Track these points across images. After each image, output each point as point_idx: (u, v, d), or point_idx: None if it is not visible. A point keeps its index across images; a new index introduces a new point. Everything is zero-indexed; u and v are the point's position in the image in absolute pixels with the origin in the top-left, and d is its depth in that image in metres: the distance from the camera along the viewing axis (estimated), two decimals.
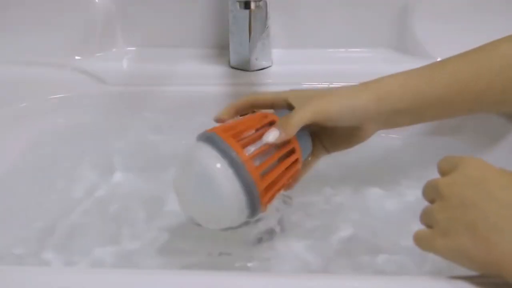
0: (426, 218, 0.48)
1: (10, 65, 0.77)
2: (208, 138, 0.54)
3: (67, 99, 0.76)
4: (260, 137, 0.54)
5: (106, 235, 0.65)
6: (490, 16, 0.78)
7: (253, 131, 0.55)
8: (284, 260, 0.62)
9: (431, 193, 0.48)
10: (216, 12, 0.79)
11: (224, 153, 0.52)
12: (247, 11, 0.70)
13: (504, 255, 0.42)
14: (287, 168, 0.56)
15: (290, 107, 0.58)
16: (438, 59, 0.77)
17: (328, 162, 0.65)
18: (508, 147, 0.69)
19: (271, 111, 0.60)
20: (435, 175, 0.50)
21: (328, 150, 0.62)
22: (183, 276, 0.49)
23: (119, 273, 0.48)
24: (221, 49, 0.80)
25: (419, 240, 0.47)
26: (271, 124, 0.56)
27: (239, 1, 0.67)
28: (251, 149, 0.54)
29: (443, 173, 0.49)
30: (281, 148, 0.55)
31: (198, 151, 0.54)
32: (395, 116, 0.58)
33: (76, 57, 0.79)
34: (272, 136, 0.54)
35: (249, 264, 0.61)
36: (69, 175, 0.72)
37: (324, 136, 0.61)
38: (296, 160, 0.56)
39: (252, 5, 0.66)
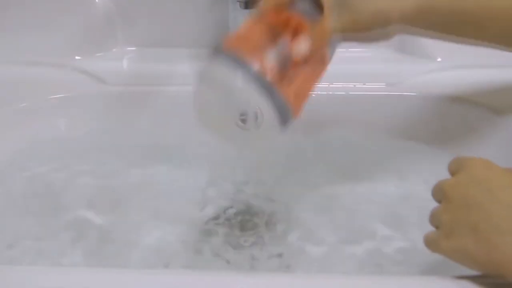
0: (433, 219, 0.48)
1: (10, 65, 0.77)
2: (220, 53, 0.51)
3: (67, 99, 0.76)
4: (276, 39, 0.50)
5: (103, 234, 0.65)
6: None
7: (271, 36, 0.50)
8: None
9: (439, 194, 0.49)
10: (216, 12, 0.79)
11: (239, 65, 0.48)
12: (247, 11, 0.70)
13: (505, 255, 0.42)
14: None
15: None
16: (439, 59, 0.77)
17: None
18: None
19: None
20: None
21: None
22: (183, 276, 0.49)
23: (119, 273, 0.48)
24: None
25: (428, 243, 0.47)
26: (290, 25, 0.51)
27: (239, 1, 0.67)
28: (271, 62, 0.49)
29: (451, 174, 0.49)
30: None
31: (217, 69, 0.51)
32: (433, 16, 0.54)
33: (76, 57, 0.79)
34: (301, 46, 0.50)
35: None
36: (68, 175, 0.72)
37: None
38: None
39: (252, 5, 0.66)
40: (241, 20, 0.73)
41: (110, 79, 0.77)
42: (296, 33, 0.51)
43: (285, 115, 0.50)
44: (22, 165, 0.72)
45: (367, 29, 0.53)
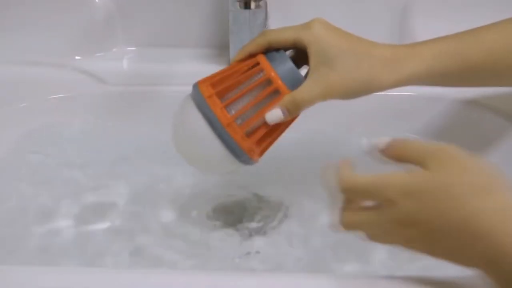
0: (392, 238, 0.43)
1: (10, 65, 0.77)
2: (194, 96, 0.54)
3: (67, 99, 0.76)
4: (246, 91, 0.53)
5: (103, 235, 0.65)
6: (490, 16, 0.78)
7: (242, 83, 0.53)
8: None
9: (380, 196, 0.42)
10: (216, 12, 0.79)
11: (206, 116, 0.53)
12: (247, 10, 0.70)
13: (490, 261, 0.39)
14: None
15: (304, 58, 0.51)
16: None
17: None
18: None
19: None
20: None
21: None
22: (183, 276, 0.49)
23: (118, 273, 0.48)
24: (221, 49, 0.80)
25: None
26: (263, 79, 0.52)
27: (239, 1, 0.67)
28: (235, 108, 0.53)
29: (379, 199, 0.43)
30: (263, 94, 0.52)
31: (185, 108, 0.55)
32: (438, 80, 0.52)
33: (76, 57, 0.79)
34: (274, 116, 0.50)
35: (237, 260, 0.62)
36: (69, 175, 0.72)
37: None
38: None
39: (252, 5, 0.66)
40: (241, 20, 0.73)
41: (110, 79, 0.77)
42: (273, 92, 0.52)
43: (239, 157, 0.54)
44: (21, 164, 0.72)
45: (352, 97, 0.50)
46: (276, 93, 0.52)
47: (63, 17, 0.78)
